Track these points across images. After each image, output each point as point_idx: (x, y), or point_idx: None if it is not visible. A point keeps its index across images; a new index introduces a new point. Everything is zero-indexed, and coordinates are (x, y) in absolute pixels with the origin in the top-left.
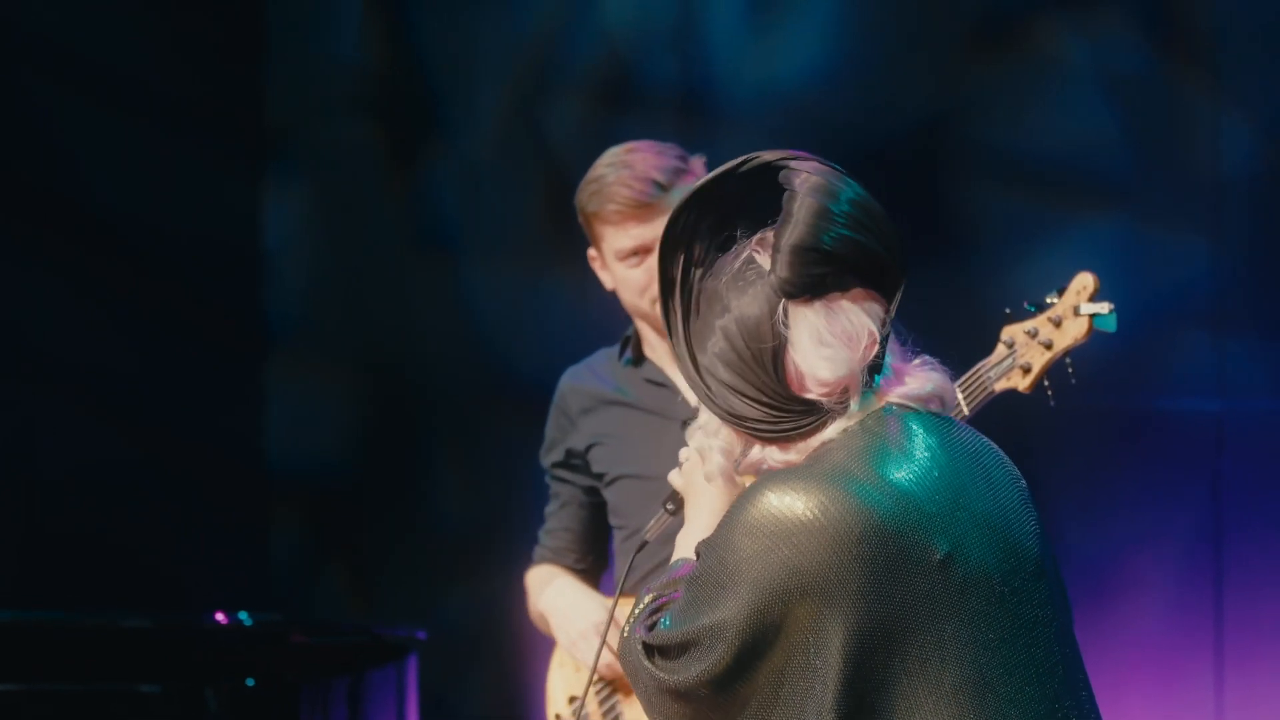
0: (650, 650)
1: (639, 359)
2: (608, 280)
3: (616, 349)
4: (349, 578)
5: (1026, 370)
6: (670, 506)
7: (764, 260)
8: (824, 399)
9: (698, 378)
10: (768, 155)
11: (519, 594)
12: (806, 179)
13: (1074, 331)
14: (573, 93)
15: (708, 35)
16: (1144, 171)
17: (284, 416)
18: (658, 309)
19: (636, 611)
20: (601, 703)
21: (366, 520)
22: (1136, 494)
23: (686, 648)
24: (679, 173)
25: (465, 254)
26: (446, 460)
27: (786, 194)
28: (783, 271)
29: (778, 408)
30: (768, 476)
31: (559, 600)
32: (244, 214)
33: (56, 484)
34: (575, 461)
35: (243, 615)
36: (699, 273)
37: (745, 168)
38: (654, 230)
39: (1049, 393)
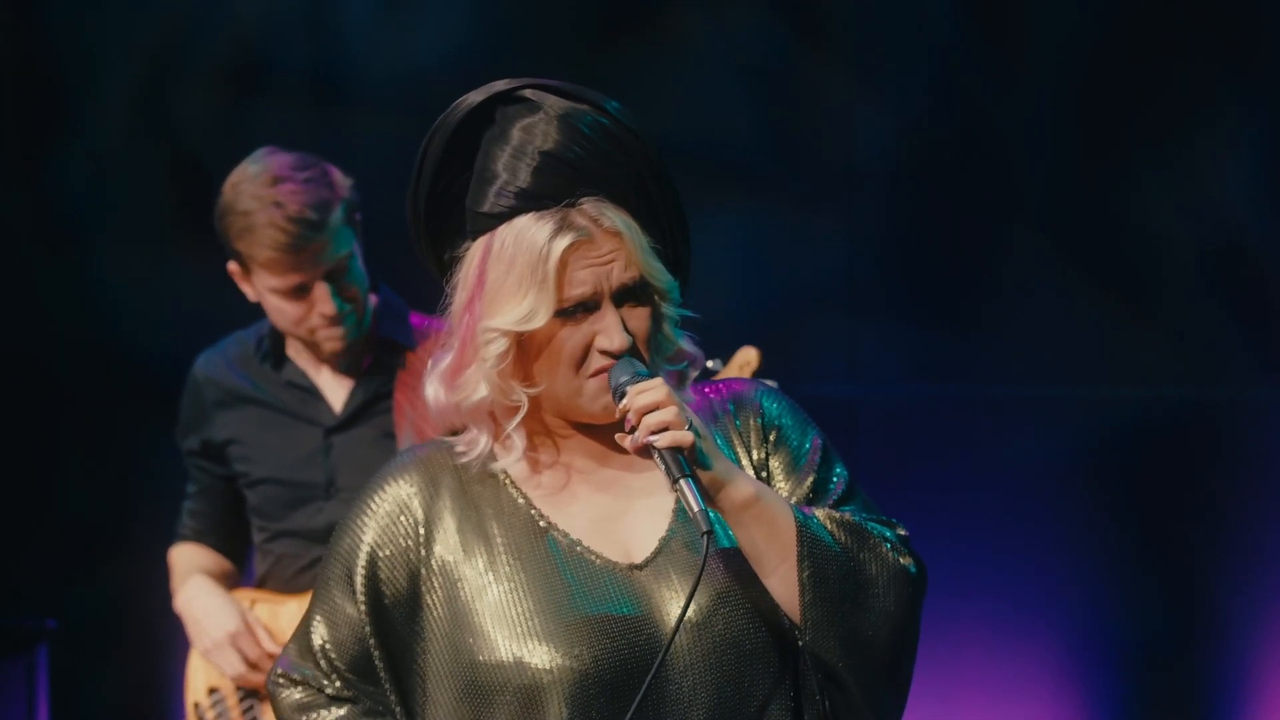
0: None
1: (279, 361)
2: (251, 294)
3: (252, 343)
4: None
5: None
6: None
7: None
8: None
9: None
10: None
11: (151, 583)
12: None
13: None
14: (203, 78)
15: (341, 20)
16: (779, 159)
17: None
18: (318, 335)
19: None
20: (239, 700)
21: None
22: None
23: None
24: (328, 205)
25: (94, 243)
26: (76, 449)
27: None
28: None
29: None
30: (737, 379)
31: (193, 606)
32: None
33: None
34: (212, 453)
35: None
36: None
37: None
38: (311, 268)
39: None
